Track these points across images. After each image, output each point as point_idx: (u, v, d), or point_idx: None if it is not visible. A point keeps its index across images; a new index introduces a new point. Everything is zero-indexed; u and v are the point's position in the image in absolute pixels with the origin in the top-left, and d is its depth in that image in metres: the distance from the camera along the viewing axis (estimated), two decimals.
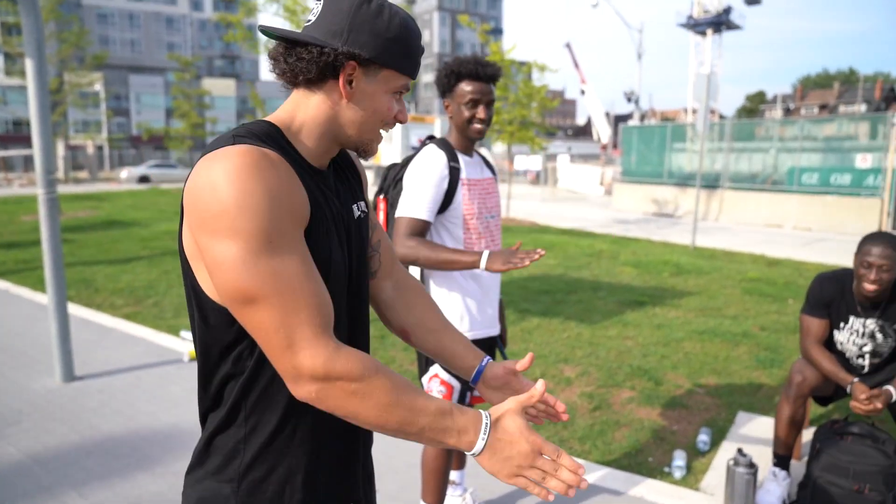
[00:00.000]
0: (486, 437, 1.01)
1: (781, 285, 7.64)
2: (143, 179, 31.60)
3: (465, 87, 2.28)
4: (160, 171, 32.80)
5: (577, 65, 47.46)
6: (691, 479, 3.21)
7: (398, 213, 2.28)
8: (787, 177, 16.19)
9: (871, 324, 2.88)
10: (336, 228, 1.12)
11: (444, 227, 2.33)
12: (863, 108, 66.98)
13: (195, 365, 4.67)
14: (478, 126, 2.31)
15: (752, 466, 2.82)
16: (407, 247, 2.17)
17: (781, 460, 2.99)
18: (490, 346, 2.48)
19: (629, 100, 37.86)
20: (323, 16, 1.07)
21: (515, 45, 14.64)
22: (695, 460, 3.39)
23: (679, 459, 3.33)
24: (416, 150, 2.38)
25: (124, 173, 32.05)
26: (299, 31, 1.09)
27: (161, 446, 3.42)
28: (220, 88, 63.72)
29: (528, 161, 28.87)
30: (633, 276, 8.08)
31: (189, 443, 3.44)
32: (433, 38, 74.58)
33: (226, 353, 1.07)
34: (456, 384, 2.32)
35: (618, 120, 51.04)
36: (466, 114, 2.28)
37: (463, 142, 2.37)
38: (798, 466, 3.20)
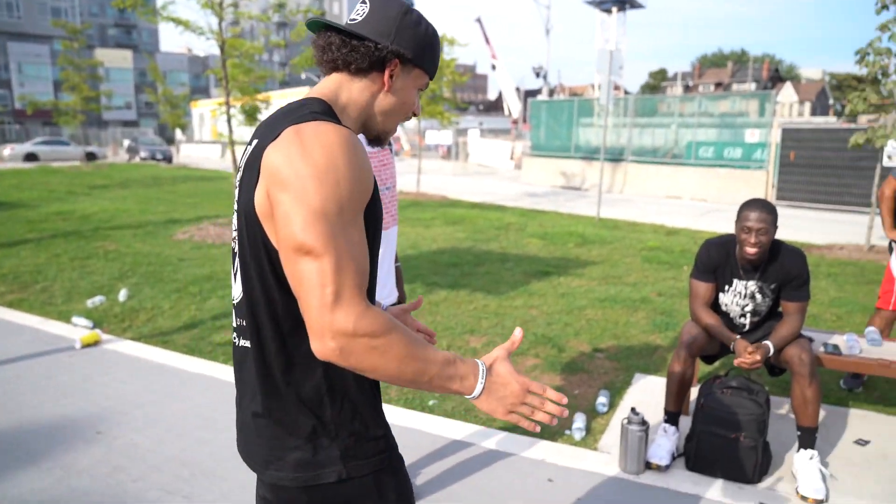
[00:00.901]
0: (483, 381, 1.15)
1: (678, 253, 8.06)
2: (30, 157, 29.36)
3: None
4: (50, 148, 30.56)
5: (487, 40, 47.61)
6: (590, 439, 3.35)
7: None
8: (686, 151, 17.02)
9: (752, 285, 3.08)
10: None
11: None
12: (752, 86, 71.13)
13: (89, 352, 4.45)
14: None
15: (643, 424, 2.98)
16: None
17: (671, 416, 3.17)
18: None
19: (538, 75, 38.45)
20: (371, 18, 1.24)
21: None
22: (594, 422, 3.54)
23: (579, 422, 3.48)
24: None
25: (7, 150, 29.61)
26: (353, 27, 1.24)
27: (48, 439, 3.23)
28: (116, 60, 59.85)
29: (439, 136, 28.91)
30: (539, 247, 8.30)
31: (80, 433, 3.27)
32: (343, 11, 72.80)
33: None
34: None
35: (528, 95, 51.76)
36: None
37: None
38: (688, 421, 3.41)
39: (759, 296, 3.09)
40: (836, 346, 3.35)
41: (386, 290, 2.44)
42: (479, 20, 48.07)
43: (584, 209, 12.91)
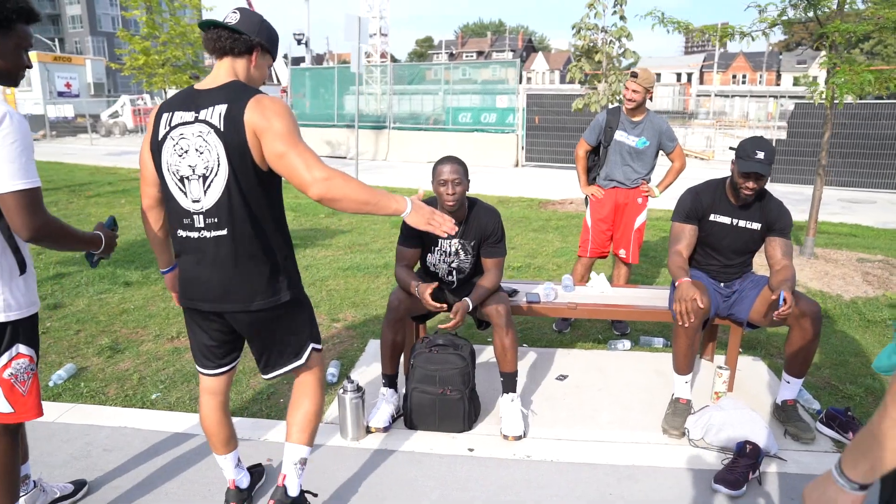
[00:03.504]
0: (411, 204, 1.98)
1: None
2: None
3: None
4: None
5: (250, 4, 45.12)
6: None
7: None
8: (447, 117, 17.73)
9: (455, 243, 3.20)
10: None
11: None
12: (510, 55, 76.39)
13: None
14: None
15: (358, 391, 2.98)
16: None
17: (389, 379, 3.22)
18: None
19: (299, 42, 37.35)
20: (243, 22, 2.04)
21: None
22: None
23: None
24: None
25: None
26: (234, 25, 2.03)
27: None
28: None
29: None
30: (290, 219, 8.04)
31: None
32: None
33: (276, 207, 2.11)
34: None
35: (295, 63, 50.28)
36: None
37: None
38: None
39: (462, 253, 3.23)
40: (536, 296, 3.66)
41: None
42: None
43: None
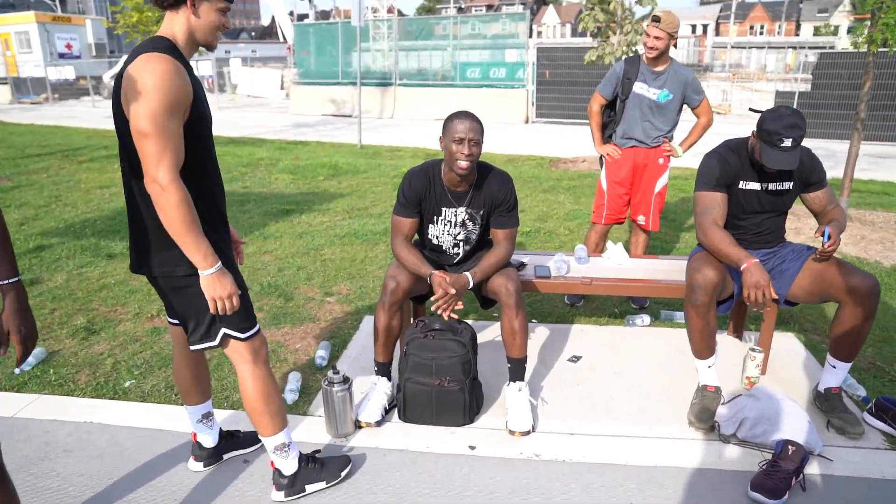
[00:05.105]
0: (215, 272, 1.89)
1: None
2: None
3: None
4: None
5: None
6: (303, 401, 2.98)
7: None
8: (455, 72, 17.10)
9: (462, 212, 2.82)
10: (203, 96, 1.96)
11: None
12: (520, 8, 74.31)
13: None
14: None
15: (345, 382, 2.65)
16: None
17: (382, 368, 2.88)
18: None
19: None
20: None
21: None
22: (312, 378, 3.17)
23: (292, 383, 3.10)
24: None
25: None
26: None
27: None
28: None
29: (199, 67, 26.23)
30: (287, 183, 7.67)
31: None
32: None
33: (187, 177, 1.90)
34: None
35: (301, 20, 49.13)
36: None
37: None
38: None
39: (469, 223, 2.85)
40: (547, 269, 3.28)
41: None
42: None
43: (349, 137, 12.41)
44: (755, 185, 2.85)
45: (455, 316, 2.70)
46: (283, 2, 46.25)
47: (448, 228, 2.88)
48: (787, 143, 2.58)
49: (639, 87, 3.76)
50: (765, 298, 2.58)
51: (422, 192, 2.80)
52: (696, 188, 2.91)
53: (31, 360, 3.36)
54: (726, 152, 2.87)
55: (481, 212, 2.84)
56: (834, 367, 2.76)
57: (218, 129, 13.94)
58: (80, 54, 29.79)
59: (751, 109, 2.92)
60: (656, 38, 3.62)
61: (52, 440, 2.68)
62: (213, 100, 21.33)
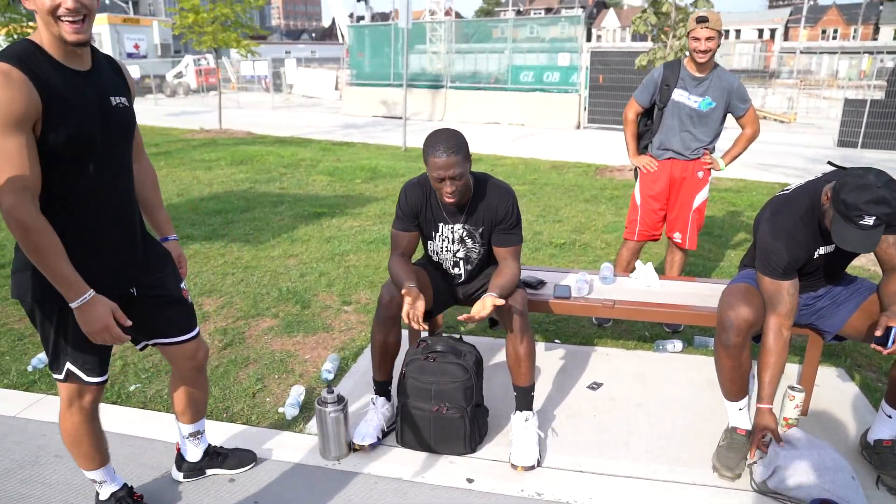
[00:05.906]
0: (81, 304, 1.68)
1: None
2: None
3: None
4: None
5: None
6: (302, 418, 2.85)
7: None
8: (507, 75, 16.87)
9: (459, 229, 2.64)
10: (87, 110, 1.69)
11: None
12: (580, 12, 73.36)
13: None
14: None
15: (340, 402, 2.51)
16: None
17: (380, 387, 2.72)
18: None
19: (358, 0, 36.71)
20: None
21: None
22: (316, 393, 3.04)
23: (294, 397, 2.97)
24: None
25: None
26: None
27: None
28: None
29: (255, 67, 26.75)
30: (324, 185, 7.61)
31: None
32: None
33: (49, 192, 1.67)
34: None
35: (360, 21, 49.70)
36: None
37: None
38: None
39: (468, 240, 2.66)
40: (566, 289, 3.06)
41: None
42: None
43: (395, 139, 12.32)
44: (830, 248, 2.39)
45: (424, 326, 2.44)
46: (343, 3, 46.97)
47: (446, 244, 2.69)
48: (869, 220, 2.05)
49: (678, 95, 3.49)
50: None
51: (417, 205, 2.63)
52: (757, 265, 2.43)
53: (42, 356, 3.35)
54: (796, 228, 2.32)
55: (481, 229, 2.63)
56: (889, 417, 2.44)
57: (268, 129, 14.13)
58: (146, 54, 30.90)
59: (829, 164, 2.49)
60: (708, 38, 3.33)
61: (45, 444, 2.63)
62: (267, 99, 21.78)
